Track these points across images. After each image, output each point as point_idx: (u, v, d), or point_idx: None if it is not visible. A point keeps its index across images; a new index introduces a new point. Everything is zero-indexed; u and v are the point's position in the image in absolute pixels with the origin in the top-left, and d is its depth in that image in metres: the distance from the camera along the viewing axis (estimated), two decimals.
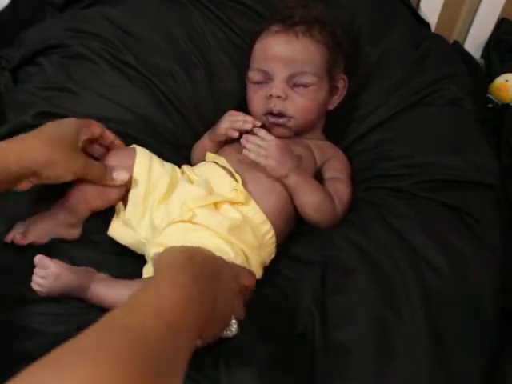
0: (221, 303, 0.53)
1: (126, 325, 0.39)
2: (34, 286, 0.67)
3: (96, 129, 0.76)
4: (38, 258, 0.67)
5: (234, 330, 0.62)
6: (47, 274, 0.66)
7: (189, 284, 0.47)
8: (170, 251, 0.56)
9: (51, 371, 0.33)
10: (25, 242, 0.71)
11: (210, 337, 0.56)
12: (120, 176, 0.75)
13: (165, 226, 0.72)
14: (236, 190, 0.76)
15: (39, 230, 0.73)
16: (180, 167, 0.84)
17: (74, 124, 0.71)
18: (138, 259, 0.75)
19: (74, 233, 0.76)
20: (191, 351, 0.44)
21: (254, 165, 0.79)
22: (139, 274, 0.71)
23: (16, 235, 0.71)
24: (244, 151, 0.79)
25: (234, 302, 0.58)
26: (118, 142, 0.80)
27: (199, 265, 0.52)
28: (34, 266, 0.67)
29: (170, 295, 0.44)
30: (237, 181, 0.78)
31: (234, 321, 0.61)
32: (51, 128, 0.70)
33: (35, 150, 0.65)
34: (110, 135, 0.79)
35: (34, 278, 0.67)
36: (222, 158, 0.82)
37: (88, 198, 0.76)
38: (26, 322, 0.65)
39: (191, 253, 0.54)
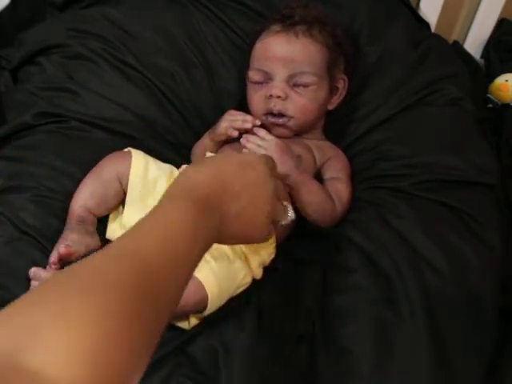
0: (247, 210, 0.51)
1: (133, 255, 0.39)
2: None
3: None
4: (33, 271, 0.67)
5: (290, 215, 0.61)
6: None
7: (191, 213, 0.45)
8: (176, 180, 0.52)
9: (62, 296, 0.33)
10: (71, 249, 0.70)
11: (235, 239, 0.54)
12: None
13: None
14: None
15: (74, 242, 0.72)
16: (179, 167, 0.84)
17: None
18: None
19: (97, 240, 0.76)
20: (190, 276, 0.43)
21: None
22: None
23: (60, 248, 0.69)
24: (244, 151, 0.79)
25: (264, 195, 0.54)
26: None
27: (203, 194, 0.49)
28: None
29: (167, 227, 0.43)
30: None
31: (287, 206, 0.60)
32: None
33: None
34: None
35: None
36: None
37: (89, 208, 0.76)
38: None
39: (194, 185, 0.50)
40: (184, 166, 0.83)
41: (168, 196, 0.48)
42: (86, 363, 0.30)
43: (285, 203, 0.61)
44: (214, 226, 0.48)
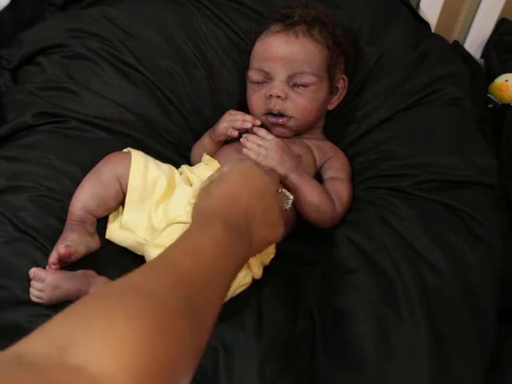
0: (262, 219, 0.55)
1: (172, 268, 0.41)
2: (33, 299, 0.67)
3: None
4: (33, 271, 0.67)
5: (289, 198, 0.65)
6: (44, 286, 0.66)
7: (217, 230, 0.48)
8: (199, 202, 0.55)
9: (103, 306, 0.34)
10: (70, 250, 0.69)
11: (261, 247, 0.59)
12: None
13: (164, 227, 0.72)
14: None
15: (74, 242, 0.72)
16: (179, 167, 0.84)
17: None
18: (138, 260, 0.75)
19: (97, 240, 0.76)
20: (227, 293, 0.46)
21: None
22: None
23: (60, 248, 0.69)
24: (244, 150, 0.79)
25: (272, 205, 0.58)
26: None
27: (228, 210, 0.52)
28: None
29: (201, 241, 0.45)
30: None
31: (284, 191, 0.64)
32: None
33: None
34: None
35: (32, 291, 0.67)
36: (216, 162, 0.82)
37: (89, 209, 0.76)
38: (26, 323, 0.65)
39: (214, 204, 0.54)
40: (184, 166, 0.83)
41: (201, 216, 0.51)
42: (126, 362, 0.31)
43: (282, 190, 0.63)
44: (247, 244, 0.51)
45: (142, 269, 0.41)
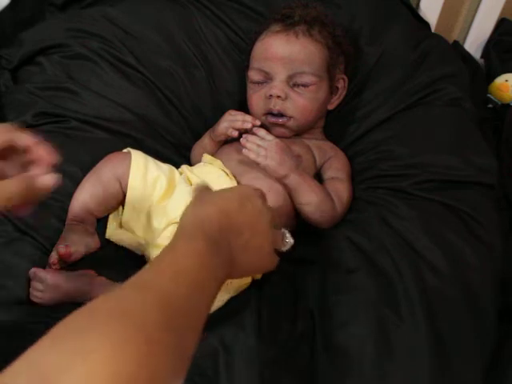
0: (248, 240, 0.54)
1: (153, 288, 0.40)
2: (34, 299, 0.67)
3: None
4: (33, 272, 0.67)
5: (288, 240, 0.63)
6: (45, 286, 0.66)
7: (205, 249, 0.47)
8: (185, 217, 0.54)
9: (86, 329, 0.34)
10: (70, 250, 0.70)
11: (245, 272, 0.58)
12: (45, 181, 0.53)
13: (164, 227, 0.72)
14: None
15: (74, 242, 0.72)
16: (179, 167, 0.84)
17: None
18: (138, 260, 0.75)
19: (97, 240, 0.76)
20: (210, 307, 0.45)
21: (254, 164, 0.79)
22: None
23: (60, 248, 0.69)
24: (244, 151, 0.79)
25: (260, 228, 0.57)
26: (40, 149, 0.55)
27: (209, 227, 0.51)
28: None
29: (184, 261, 0.45)
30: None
31: (285, 232, 0.63)
32: None
33: None
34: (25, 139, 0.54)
35: (32, 291, 0.67)
36: (219, 161, 0.82)
37: (89, 209, 0.76)
38: (26, 323, 0.65)
39: (203, 217, 0.52)
40: (184, 166, 0.83)
41: (181, 233, 0.50)
42: None
43: (282, 230, 0.63)
44: (226, 259, 0.50)
45: (128, 287, 0.40)
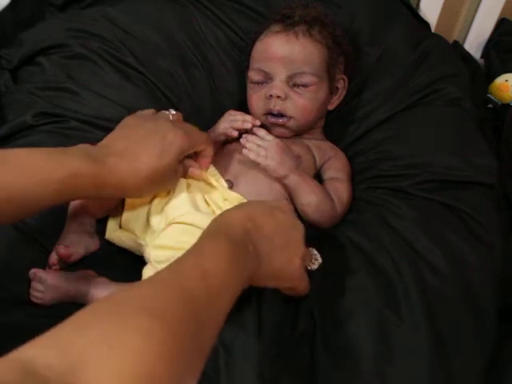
0: (277, 252, 0.55)
1: (177, 286, 0.41)
2: (34, 300, 0.67)
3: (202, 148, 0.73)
4: (33, 272, 0.67)
5: (318, 260, 0.65)
6: (45, 287, 0.66)
7: (228, 250, 0.48)
8: (212, 222, 0.55)
9: (111, 320, 0.35)
10: (70, 250, 0.70)
11: (271, 278, 0.58)
12: (194, 173, 0.74)
13: (163, 227, 0.72)
14: (226, 199, 0.76)
15: (73, 243, 0.72)
16: None
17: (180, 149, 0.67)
18: (138, 260, 0.75)
19: (96, 241, 0.76)
20: (226, 313, 0.46)
21: (254, 165, 0.79)
22: (139, 276, 0.71)
23: (60, 249, 0.70)
24: (244, 151, 0.79)
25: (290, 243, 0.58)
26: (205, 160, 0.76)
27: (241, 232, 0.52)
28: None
29: (206, 262, 0.45)
30: (230, 187, 0.78)
31: (313, 250, 0.64)
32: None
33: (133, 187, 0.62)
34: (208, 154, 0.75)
35: (32, 292, 0.67)
36: (212, 167, 0.82)
37: (88, 209, 0.76)
38: (26, 323, 0.65)
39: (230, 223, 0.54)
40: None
41: (207, 234, 0.51)
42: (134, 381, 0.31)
43: (311, 249, 0.64)
44: (249, 262, 0.51)
45: (151, 284, 0.41)
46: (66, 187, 0.54)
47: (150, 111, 0.72)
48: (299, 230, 0.59)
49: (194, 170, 0.74)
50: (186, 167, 0.72)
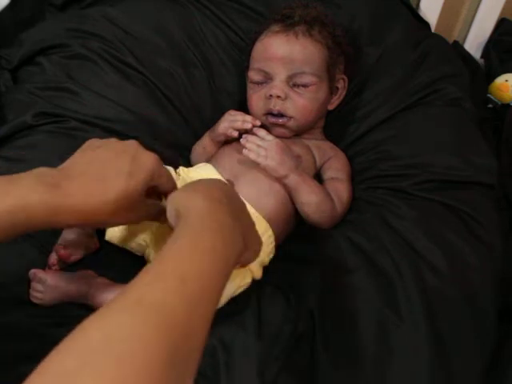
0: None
1: (154, 303, 0.38)
2: (34, 300, 0.67)
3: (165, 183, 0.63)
4: (33, 272, 0.67)
5: None
6: (45, 287, 0.66)
7: (211, 241, 0.46)
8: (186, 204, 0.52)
9: (81, 353, 0.34)
10: (70, 251, 0.70)
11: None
12: None
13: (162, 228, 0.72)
14: None
15: (73, 243, 0.72)
16: (178, 167, 0.84)
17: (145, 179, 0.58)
18: (138, 260, 0.75)
19: (96, 241, 0.76)
20: (215, 308, 0.44)
21: (254, 165, 0.79)
22: None
23: (59, 249, 0.70)
24: (244, 151, 0.79)
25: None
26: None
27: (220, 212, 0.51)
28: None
29: (193, 261, 0.43)
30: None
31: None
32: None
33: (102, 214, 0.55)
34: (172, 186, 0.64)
35: (32, 292, 0.67)
36: (210, 166, 0.81)
37: None
38: (26, 323, 0.65)
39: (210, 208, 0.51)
40: (181, 168, 0.83)
41: (184, 223, 0.49)
42: None
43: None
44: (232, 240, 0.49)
45: (148, 274, 0.41)
46: (15, 217, 0.49)
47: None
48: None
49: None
50: (150, 207, 0.61)
